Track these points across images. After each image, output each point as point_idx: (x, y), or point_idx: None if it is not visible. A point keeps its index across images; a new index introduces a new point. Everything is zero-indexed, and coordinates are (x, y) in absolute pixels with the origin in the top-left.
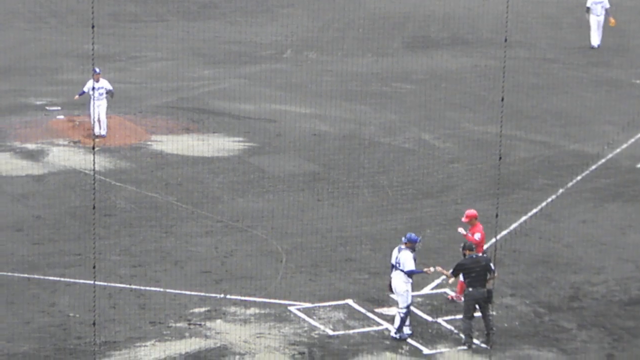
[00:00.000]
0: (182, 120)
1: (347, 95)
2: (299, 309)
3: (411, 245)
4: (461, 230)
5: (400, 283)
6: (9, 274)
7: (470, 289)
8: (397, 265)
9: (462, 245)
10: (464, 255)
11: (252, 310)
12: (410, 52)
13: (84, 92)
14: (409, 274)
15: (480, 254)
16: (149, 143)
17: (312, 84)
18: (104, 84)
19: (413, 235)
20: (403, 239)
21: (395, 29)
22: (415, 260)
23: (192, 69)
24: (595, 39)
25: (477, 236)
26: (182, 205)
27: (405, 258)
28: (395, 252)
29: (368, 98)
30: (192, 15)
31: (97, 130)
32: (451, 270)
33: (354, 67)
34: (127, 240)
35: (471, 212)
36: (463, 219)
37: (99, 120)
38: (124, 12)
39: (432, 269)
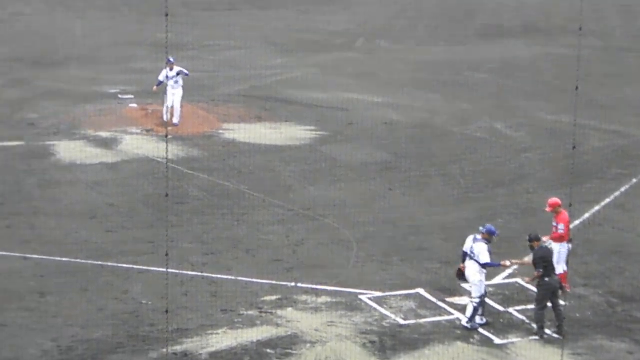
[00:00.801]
0: (254, 108)
1: (418, 84)
2: (370, 298)
3: (488, 237)
4: (507, 262)
5: (474, 273)
6: (83, 261)
7: (547, 279)
8: (472, 255)
9: (528, 237)
10: (532, 247)
11: (323, 299)
12: (483, 41)
13: (161, 82)
14: (485, 266)
15: (547, 243)
16: (221, 131)
17: (383, 72)
18: (178, 70)
19: (492, 227)
20: (481, 228)
21: (468, 17)
22: (490, 252)
23: (264, 58)
24: None
25: (561, 227)
26: (254, 193)
27: (480, 249)
28: (469, 240)
29: (440, 87)
30: (264, 3)
31: (166, 116)
32: (537, 268)
33: (425, 56)
34: (199, 228)
35: (554, 200)
36: (546, 209)
37: (172, 108)
38: (197, 0)
39: (508, 262)
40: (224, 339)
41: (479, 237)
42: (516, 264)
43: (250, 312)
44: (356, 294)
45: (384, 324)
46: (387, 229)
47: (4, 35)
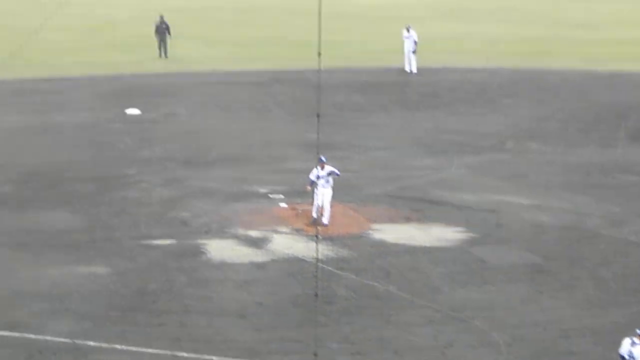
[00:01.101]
0: (403, 209)
1: (568, 186)
2: None
3: None
4: None
5: None
6: (232, 359)
7: None
8: (631, 359)
9: None
10: None
11: None
12: (634, 143)
13: (313, 182)
14: None
15: None
16: (370, 232)
17: (533, 174)
18: (330, 170)
19: None
20: (638, 331)
21: (619, 119)
22: None
23: (413, 158)
24: None
25: None
26: (402, 294)
27: None
28: (626, 344)
29: (590, 189)
30: (414, 105)
31: (315, 215)
32: None
33: (575, 158)
34: (347, 328)
35: None
36: None
37: (322, 208)
38: (347, 102)
39: None
40: None
41: (637, 340)
42: None
43: None
44: None
45: None
46: (536, 332)
47: (159, 135)
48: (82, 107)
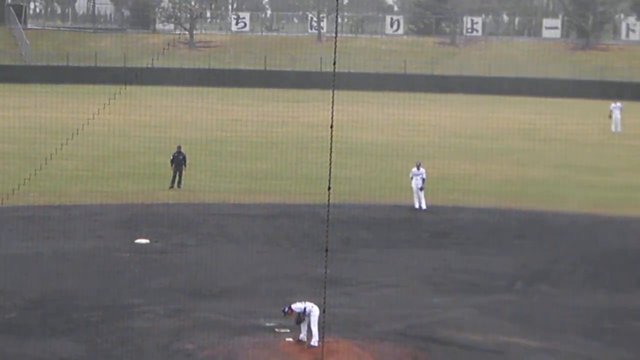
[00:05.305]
0: (409, 347)
1: (578, 330)
2: None
3: None
4: None
5: None
6: None
7: None
8: None
9: None
10: None
11: None
12: None
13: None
14: None
15: None
16: None
17: (541, 316)
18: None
19: None
20: None
21: (629, 265)
22: None
23: (420, 297)
24: None
25: None
26: None
27: None
28: None
29: (600, 334)
30: (423, 242)
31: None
32: None
33: (585, 302)
34: None
35: None
36: None
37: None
38: (355, 237)
39: None
40: None
41: None
42: None
43: None
44: None
45: None
46: None
47: (166, 265)
48: (91, 236)
